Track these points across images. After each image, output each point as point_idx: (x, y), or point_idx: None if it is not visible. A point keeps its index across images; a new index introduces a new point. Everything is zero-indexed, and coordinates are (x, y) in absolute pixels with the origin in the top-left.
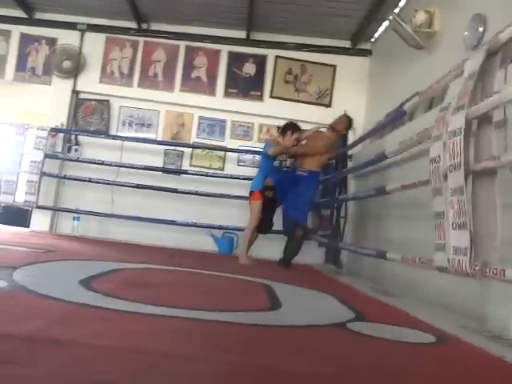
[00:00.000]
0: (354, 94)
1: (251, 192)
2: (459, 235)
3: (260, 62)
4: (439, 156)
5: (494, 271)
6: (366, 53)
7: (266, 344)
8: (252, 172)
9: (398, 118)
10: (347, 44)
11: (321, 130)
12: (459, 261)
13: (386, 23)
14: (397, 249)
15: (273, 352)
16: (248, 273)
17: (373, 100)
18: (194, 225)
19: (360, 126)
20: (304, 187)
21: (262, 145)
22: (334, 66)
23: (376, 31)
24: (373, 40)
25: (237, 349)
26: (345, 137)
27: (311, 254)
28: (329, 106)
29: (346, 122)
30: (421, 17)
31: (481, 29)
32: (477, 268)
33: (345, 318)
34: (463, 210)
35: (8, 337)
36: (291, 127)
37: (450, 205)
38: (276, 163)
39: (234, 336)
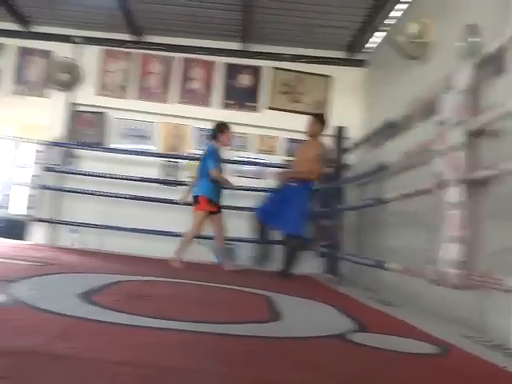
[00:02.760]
0: (350, 104)
1: (197, 197)
2: (452, 248)
3: (256, 73)
4: (441, 171)
5: (491, 281)
6: (361, 63)
7: (267, 356)
8: (248, 182)
9: (386, 128)
10: (342, 54)
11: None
12: (450, 273)
13: (380, 34)
14: (396, 258)
15: (274, 364)
16: (247, 284)
17: (368, 110)
18: None
19: (356, 136)
20: (294, 199)
21: (260, 155)
22: (329, 77)
23: (370, 42)
24: (368, 50)
25: (239, 361)
26: (339, 144)
27: (310, 265)
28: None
29: (313, 123)
30: (414, 28)
31: (473, 39)
32: (472, 278)
33: (345, 329)
34: (459, 224)
35: (6, 352)
36: (225, 126)
37: (445, 218)
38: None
39: (235, 348)
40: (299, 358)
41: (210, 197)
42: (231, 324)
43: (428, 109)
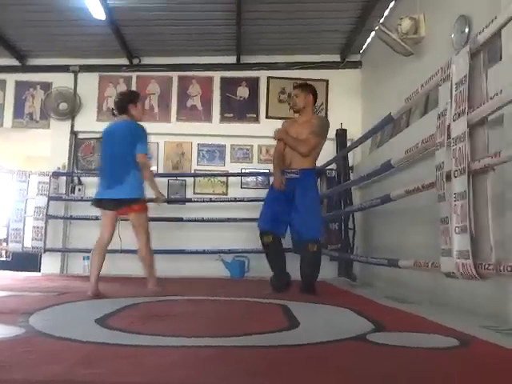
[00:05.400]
0: (349, 106)
1: (135, 200)
2: (462, 239)
3: (253, 84)
4: (443, 162)
5: (509, 268)
6: (356, 65)
7: (290, 364)
8: (254, 193)
9: (385, 124)
10: (337, 58)
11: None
12: (463, 264)
13: (372, 34)
14: (409, 255)
15: (298, 371)
16: (263, 295)
17: (367, 110)
18: (203, 252)
19: (357, 137)
20: (302, 194)
21: (261, 166)
22: (326, 81)
23: (364, 42)
24: (362, 51)
25: (262, 372)
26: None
27: (323, 269)
28: None
29: (300, 95)
30: (406, 24)
31: (466, 30)
32: (490, 268)
33: (364, 330)
34: (465, 214)
35: (28, 382)
36: (133, 96)
37: (453, 210)
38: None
39: (258, 359)
40: (323, 362)
41: (144, 196)
42: (250, 335)
43: (426, 102)
